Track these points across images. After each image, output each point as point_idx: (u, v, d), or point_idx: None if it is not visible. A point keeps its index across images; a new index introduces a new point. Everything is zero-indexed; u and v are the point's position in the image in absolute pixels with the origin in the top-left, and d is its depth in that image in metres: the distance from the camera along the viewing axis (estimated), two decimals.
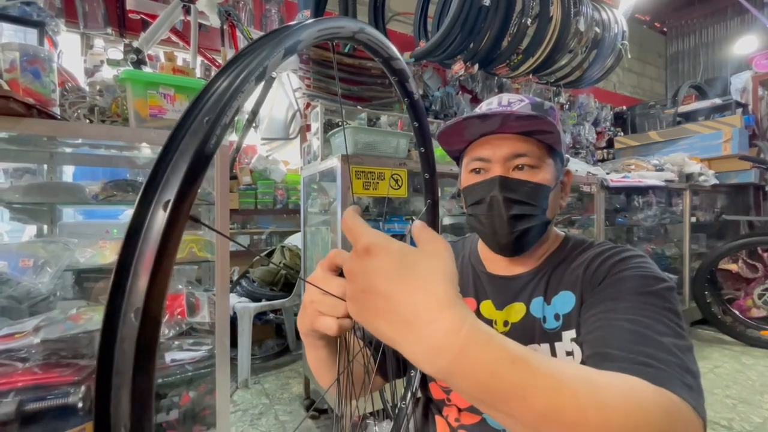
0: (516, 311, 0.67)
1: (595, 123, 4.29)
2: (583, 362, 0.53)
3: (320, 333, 0.42)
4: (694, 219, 3.16)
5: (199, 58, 2.39)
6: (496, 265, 0.72)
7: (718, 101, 3.78)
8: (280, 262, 2.48)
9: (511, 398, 0.29)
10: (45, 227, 1.53)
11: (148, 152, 1.36)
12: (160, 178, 0.16)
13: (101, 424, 0.14)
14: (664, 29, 6.04)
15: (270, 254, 2.60)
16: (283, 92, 2.96)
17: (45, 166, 1.50)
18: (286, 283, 2.43)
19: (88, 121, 1.18)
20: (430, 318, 0.29)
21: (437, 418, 0.70)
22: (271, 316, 2.77)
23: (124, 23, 2.57)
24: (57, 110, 1.10)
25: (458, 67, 2.53)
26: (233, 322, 2.00)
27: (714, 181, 3.14)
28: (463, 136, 0.68)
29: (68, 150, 1.40)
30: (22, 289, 1.11)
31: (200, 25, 2.18)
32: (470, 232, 0.84)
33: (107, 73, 1.42)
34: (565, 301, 0.63)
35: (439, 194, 0.55)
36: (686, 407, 0.37)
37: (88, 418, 1.03)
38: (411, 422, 0.74)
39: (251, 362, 2.27)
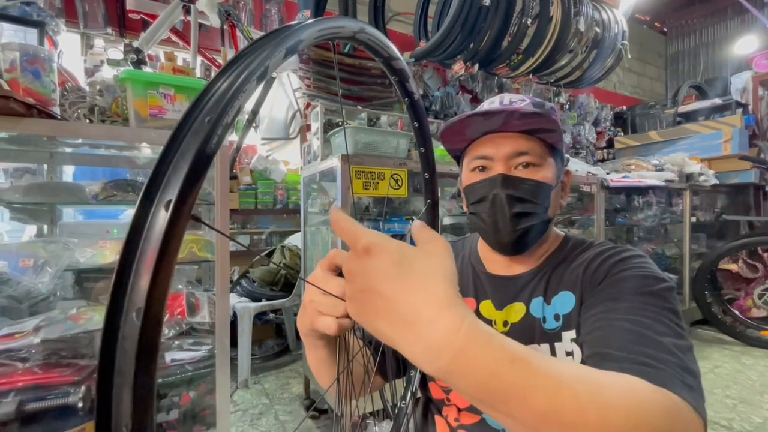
0: (516, 311, 0.67)
1: (595, 123, 4.29)
2: (583, 362, 0.53)
3: (320, 333, 0.42)
4: (694, 219, 3.16)
5: (199, 58, 2.39)
6: (496, 265, 0.72)
7: (718, 101, 3.78)
8: (280, 262, 2.48)
9: (511, 398, 0.29)
10: (45, 227, 1.53)
11: (148, 152, 1.36)
12: (162, 178, 0.16)
13: (102, 424, 0.14)
14: (664, 29, 6.04)
15: (270, 254, 2.60)
16: (283, 92, 2.96)
17: (45, 166, 1.50)
18: (286, 283, 2.43)
19: (88, 121, 1.18)
20: (429, 318, 0.29)
21: (437, 418, 0.70)
22: (271, 316, 2.77)
23: (124, 23, 2.56)
24: (57, 110, 1.10)
25: (458, 67, 2.53)
26: (233, 322, 2.00)
27: (714, 181, 3.14)
28: (465, 135, 0.68)
29: (68, 150, 1.40)
30: (22, 289, 1.11)
31: (200, 25, 2.18)
32: (470, 232, 0.84)
33: (107, 73, 1.42)
34: (565, 301, 0.63)
35: (439, 194, 0.55)
36: (686, 407, 0.37)
37: (88, 418, 1.03)
38: (411, 422, 0.74)
39: (251, 362, 2.27)
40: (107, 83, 1.22)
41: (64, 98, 1.18)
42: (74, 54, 2.41)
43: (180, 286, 1.33)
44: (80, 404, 1.00)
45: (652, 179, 2.77)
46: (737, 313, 2.97)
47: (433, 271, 0.31)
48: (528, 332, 0.64)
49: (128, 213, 2.03)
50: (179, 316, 1.24)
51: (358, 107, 2.17)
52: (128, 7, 2.30)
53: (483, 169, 0.67)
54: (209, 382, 1.24)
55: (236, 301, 2.29)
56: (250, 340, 2.21)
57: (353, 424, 0.46)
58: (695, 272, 3.02)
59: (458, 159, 0.75)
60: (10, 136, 1.11)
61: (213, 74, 2.75)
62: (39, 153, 1.42)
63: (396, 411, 0.53)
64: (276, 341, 2.78)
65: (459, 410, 0.67)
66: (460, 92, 3.49)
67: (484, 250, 0.75)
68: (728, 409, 1.97)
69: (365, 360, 0.60)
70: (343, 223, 0.33)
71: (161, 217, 0.16)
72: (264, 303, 2.30)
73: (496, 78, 3.44)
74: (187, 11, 2.05)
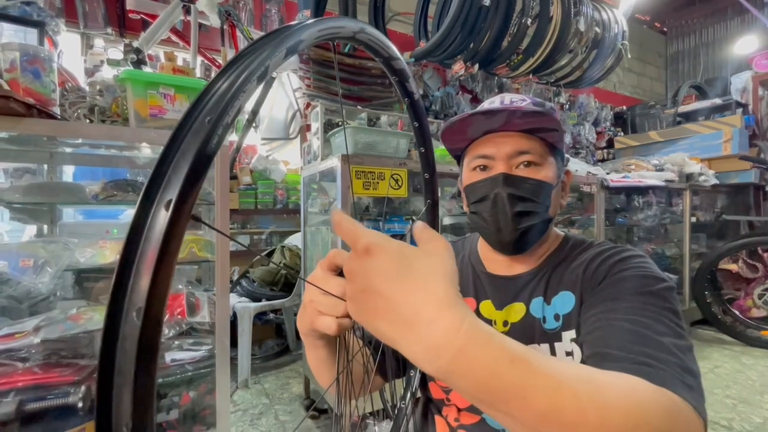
0: (516, 311, 0.67)
1: (595, 123, 4.29)
2: (583, 362, 0.53)
3: (320, 332, 0.42)
4: (694, 219, 3.16)
5: (199, 58, 2.39)
6: (496, 264, 0.72)
7: (718, 101, 3.78)
8: (280, 262, 2.48)
9: (511, 398, 0.29)
10: (45, 227, 1.53)
11: (148, 152, 1.36)
12: (162, 178, 0.16)
13: (103, 424, 0.14)
14: (664, 29, 6.04)
15: (270, 254, 2.60)
16: (283, 92, 2.96)
17: (45, 166, 1.50)
18: (286, 283, 2.43)
19: (88, 121, 1.18)
20: (429, 317, 0.29)
21: (437, 417, 0.70)
22: (271, 316, 2.77)
23: (124, 23, 2.56)
24: (57, 110, 1.10)
25: (458, 67, 2.53)
26: (233, 322, 2.00)
27: (714, 181, 3.14)
28: (466, 134, 0.68)
29: (68, 150, 1.40)
30: (22, 289, 1.11)
31: (200, 25, 2.18)
32: (470, 232, 0.84)
33: (107, 73, 1.42)
34: (564, 301, 0.63)
35: (439, 194, 0.55)
36: (687, 407, 0.37)
37: (88, 418, 1.03)
38: (410, 422, 0.74)
39: (251, 362, 2.27)
40: (107, 83, 1.22)
41: (64, 98, 1.18)
42: (74, 54, 2.41)
43: (180, 286, 1.33)
44: (80, 404, 1.00)
45: (652, 179, 2.77)
46: (737, 313, 2.97)
47: (434, 271, 0.31)
48: (528, 332, 0.64)
49: (128, 213, 2.03)
50: (179, 316, 1.24)
51: (358, 107, 2.17)
52: (128, 7, 2.30)
53: (484, 168, 0.67)
54: (209, 382, 1.24)
55: (236, 301, 2.29)
56: (250, 340, 2.21)
57: (353, 424, 0.46)
58: (695, 272, 3.02)
59: (458, 159, 0.75)
60: (10, 136, 1.11)
61: (213, 74, 2.75)
62: (39, 153, 1.42)
63: (396, 411, 0.53)
64: (276, 341, 2.78)
65: (459, 410, 0.67)
66: (460, 92, 3.49)
67: (484, 249, 0.75)
68: (728, 409, 1.97)
69: (365, 360, 0.60)
70: (344, 224, 0.33)
71: (161, 217, 0.16)
72: (264, 303, 2.30)
73: (496, 78, 3.44)
74: (187, 11, 2.05)
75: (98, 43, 2.50)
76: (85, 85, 1.30)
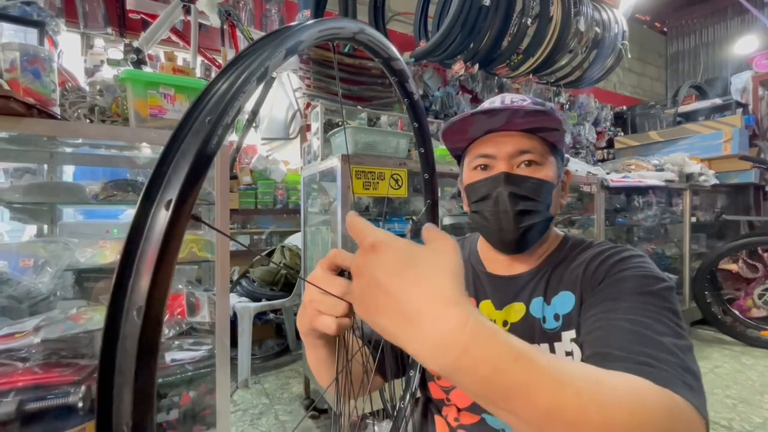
0: (515, 311, 0.67)
1: (595, 123, 4.29)
2: (583, 362, 0.53)
3: (319, 332, 0.42)
4: (694, 219, 3.16)
5: (199, 58, 2.39)
6: (496, 264, 0.72)
7: (718, 101, 3.78)
8: (280, 262, 2.48)
9: (515, 395, 0.29)
10: (45, 227, 1.53)
11: (148, 152, 1.36)
12: (162, 178, 0.16)
13: (103, 423, 0.14)
14: (664, 29, 6.04)
15: (270, 254, 2.60)
16: (283, 92, 2.96)
17: (45, 166, 1.50)
18: (286, 283, 2.43)
19: (88, 120, 1.18)
20: (434, 314, 0.29)
21: (437, 417, 0.70)
22: (271, 316, 2.77)
23: (124, 23, 2.56)
24: (57, 110, 1.10)
25: (458, 67, 2.53)
26: (233, 322, 2.00)
27: (714, 181, 3.14)
28: (467, 134, 0.68)
29: (68, 150, 1.40)
30: (22, 289, 1.11)
31: (200, 25, 2.18)
32: (470, 232, 0.84)
33: (107, 73, 1.42)
34: (564, 301, 0.63)
35: (439, 194, 0.55)
36: (688, 407, 0.37)
37: (88, 417, 1.03)
38: (410, 422, 0.74)
39: (251, 362, 2.27)
40: (107, 83, 1.22)
41: (64, 98, 1.18)
42: (74, 54, 2.41)
43: (180, 286, 1.33)
44: (80, 404, 1.00)
45: (652, 179, 2.77)
46: (737, 313, 2.97)
47: (440, 268, 0.31)
48: (528, 332, 0.64)
49: (128, 213, 2.03)
50: (179, 316, 1.24)
51: (358, 107, 2.17)
52: (128, 7, 2.30)
53: (485, 167, 0.67)
54: (209, 381, 1.24)
55: (236, 301, 2.29)
56: (250, 340, 2.22)
57: (353, 423, 0.46)
58: (695, 272, 3.02)
59: (459, 158, 0.75)
60: (11, 136, 1.11)
61: (213, 74, 2.75)
62: (39, 153, 1.42)
63: (395, 411, 0.53)
64: (276, 341, 2.78)
65: (459, 410, 0.67)
66: (460, 92, 3.49)
67: (484, 249, 0.75)
68: (728, 409, 1.97)
69: (364, 360, 0.60)
70: (355, 223, 0.33)
71: (162, 217, 0.16)
72: (264, 303, 2.30)
73: (496, 78, 3.44)
74: (187, 11, 2.05)
75: (98, 43, 2.50)
76: (85, 85, 1.30)
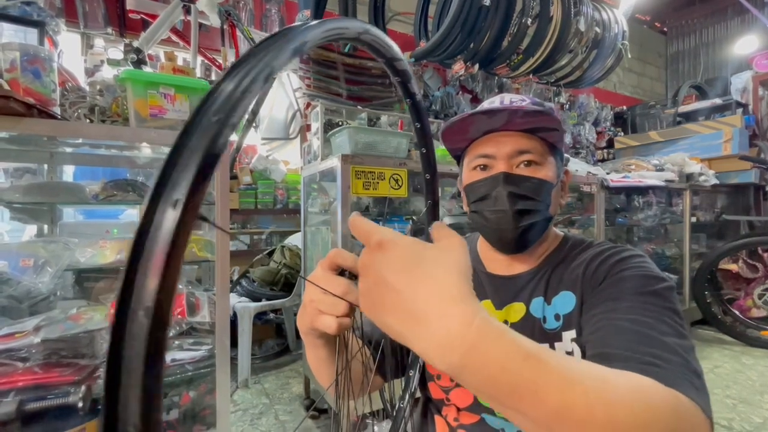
0: (515, 311, 0.67)
1: (596, 123, 4.29)
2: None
3: (320, 332, 0.42)
4: (694, 219, 3.16)
5: (200, 58, 2.39)
6: (496, 264, 0.73)
7: (718, 101, 3.78)
8: (280, 262, 2.48)
9: (523, 394, 0.29)
10: (45, 227, 1.53)
11: (148, 152, 1.36)
12: (170, 177, 0.16)
13: (109, 424, 0.14)
14: (665, 29, 6.04)
15: (270, 254, 2.61)
16: (283, 92, 2.96)
17: (45, 166, 1.50)
18: (286, 283, 2.43)
19: (88, 120, 1.18)
20: (441, 312, 0.29)
21: (436, 417, 0.70)
22: (271, 315, 2.77)
23: (124, 23, 2.56)
24: (57, 110, 1.10)
25: (458, 67, 2.53)
26: (233, 321, 2.00)
27: (714, 181, 3.14)
28: (466, 134, 0.68)
29: (68, 150, 1.40)
30: (22, 289, 1.11)
31: (200, 25, 2.18)
32: (470, 232, 0.84)
33: (107, 73, 1.42)
34: (565, 301, 0.63)
35: (439, 194, 0.55)
36: (694, 407, 0.37)
37: (88, 417, 1.03)
38: (410, 422, 0.74)
39: (251, 362, 2.27)
40: (107, 83, 1.22)
41: (65, 98, 1.18)
42: (74, 54, 2.41)
43: (180, 286, 1.33)
44: (80, 404, 1.00)
45: (652, 179, 2.77)
46: (737, 313, 2.97)
47: (447, 267, 0.31)
48: (528, 332, 0.64)
49: (128, 213, 2.03)
50: (179, 316, 1.24)
51: (359, 107, 2.17)
52: (128, 7, 2.30)
53: (485, 167, 0.67)
54: (209, 381, 1.24)
55: (236, 300, 2.29)
56: (250, 340, 2.22)
57: (353, 423, 0.46)
58: (695, 272, 3.02)
59: (458, 159, 0.75)
60: (11, 136, 1.11)
61: (213, 74, 2.75)
62: (39, 153, 1.42)
63: (395, 411, 0.53)
64: (276, 341, 2.78)
65: (458, 410, 0.67)
66: (460, 92, 3.49)
67: (483, 249, 0.75)
68: (728, 409, 1.97)
69: (364, 359, 0.60)
70: (359, 223, 0.33)
71: (170, 217, 0.16)
72: (264, 303, 2.30)
73: (496, 78, 3.44)
74: (187, 11, 2.05)
75: (98, 42, 2.50)
76: (85, 85, 1.30)
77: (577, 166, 2.55)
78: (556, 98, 3.80)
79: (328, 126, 1.98)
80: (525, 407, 0.29)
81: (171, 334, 1.22)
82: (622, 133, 4.34)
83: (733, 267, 3.10)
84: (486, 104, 0.71)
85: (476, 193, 0.68)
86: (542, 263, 0.69)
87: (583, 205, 2.61)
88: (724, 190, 3.56)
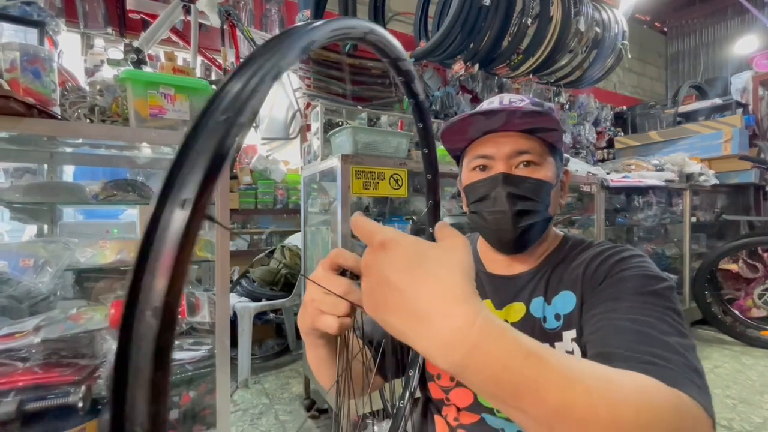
0: (515, 311, 0.67)
1: (596, 123, 4.30)
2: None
3: (321, 332, 0.42)
4: (694, 219, 3.16)
5: (200, 58, 2.39)
6: (496, 264, 0.73)
7: (718, 101, 3.78)
8: (279, 262, 2.48)
9: (524, 393, 0.29)
10: (45, 227, 1.53)
11: (148, 152, 1.36)
12: (178, 177, 0.16)
13: (116, 424, 0.14)
14: (665, 29, 6.04)
15: (270, 254, 2.61)
16: (283, 92, 2.96)
17: (45, 166, 1.50)
18: (286, 282, 2.43)
19: (88, 120, 1.18)
20: (444, 311, 0.29)
21: (436, 417, 0.70)
22: (271, 315, 2.77)
23: (124, 23, 2.57)
24: (57, 110, 1.10)
25: (458, 67, 2.53)
26: (233, 321, 2.00)
27: (714, 181, 3.14)
28: (466, 134, 0.68)
29: (68, 150, 1.40)
30: (22, 289, 1.11)
31: (200, 25, 2.18)
32: (470, 232, 0.84)
33: (107, 73, 1.42)
34: (565, 301, 0.63)
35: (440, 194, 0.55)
36: (696, 406, 0.37)
37: (88, 417, 1.03)
38: (410, 422, 0.74)
39: (251, 362, 2.27)
40: (107, 83, 1.22)
41: (65, 98, 1.18)
42: (74, 54, 2.41)
43: None
44: (80, 404, 1.00)
45: (652, 179, 2.77)
46: (737, 313, 2.97)
47: (449, 266, 0.31)
48: (528, 332, 0.63)
49: (128, 213, 2.03)
50: (179, 316, 1.24)
51: (358, 107, 2.17)
52: (128, 6, 2.30)
53: (484, 168, 0.67)
54: (209, 381, 1.24)
55: (236, 300, 2.29)
56: (250, 340, 2.21)
57: (353, 423, 0.46)
58: (695, 272, 3.02)
59: (458, 159, 0.75)
60: (11, 136, 1.11)
61: (213, 74, 2.75)
62: (39, 153, 1.41)
63: (395, 411, 0.53)
64: (276, 341, 2.78)
65: (458, 410, 0.67)
66: (460, 92, 3.49)
67: (483, 249, 0.75)
68: (728, 409, 1.97)
69: (365, 360, 0.60)
70: (361, 223, 0.33)
71: (178, 217, 0.16)
72: (264, 303, 2.30)
73: (496, 78, 3.44)
74: (187, 11, 2.05)
75: (98, 42, 2.50)
76: (85, 85, 1.30)
77: (577, 166, 2.55)
78: (556, 98, 3.80)
79: (328, 126, 1.98)
80: (526, 406, 0.29)
81: None
82: (622, 133, 4.34)
83: (733, 267, 3.10)
84: (485, 104, 0.71)
85: (475, 194, 0.68)
86: (542, 263, 0.69)
87: (583, 205, 2.61)
88: (724, 190, 3.56)
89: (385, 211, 1.91)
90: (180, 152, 0.17)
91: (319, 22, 0.25)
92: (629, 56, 3.11)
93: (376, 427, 0.67)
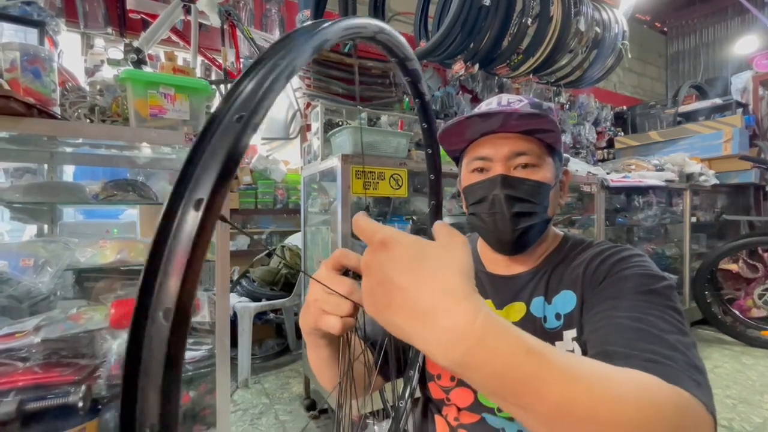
0: (516, 311, 0.67)
1: (596, 123, 4.30)
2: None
3: (322, 332, 0.42)
4: (694, 219, 3.16)
5: (200, 58, 2.39)
6: (496, 264, 0.73)
7: (718, 101, 3.78)
8: (279, 262, 2.48)
9: (526, 389, 0.29)
10: (45, 227, 1.52)
11: (148, 152, 1.36)
12: (191, 177, 0.16)
13: (126, 424, 0.14)
14: (665, 29, 6.04)
15: (270, 254, 2.61)
16: (284, 92, 2.95)
17: (45, 166, 1.50)
18: (286, 282, 2.43)
19: (88, 120, 1.18)
20: (445, 309, 0.29)
21: (437, 417, 0.70)
22: (272, 315, 2.77)
23: (124, 23, 2.56)
24: (57, 110, 1.10)
25: (458, 67, 2.53)
26: (233, 321, 2.00)
27: (714, 181, 3.14)
28: (463, 136, 0.68)
29: (68, 149, 1.39)
30: (22, 289, 1.11)
31: (200, 25, 2.18)
32: (470, 232, 0.84)
33: (107, 73, 1.42)
34: (566, 300, 0.63)
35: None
36: (697, 404, 0.37)
37: (88, 417, 1.03)
38: (410, 422, 0.74)
39: (251, 362, 2.27)
40: (107, 83, 1.22)
41: (65, 98, 1.18)
42: (74, 54, 2.41)
43: None
44: (80, 404, 1.00)
45: (652, 179, 2.77)
46: (737, 313, 2.97)
47: (449, 264, 0.31)
48: (528, 332, 0.63)
49: (128, 213, 2.03)
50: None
51: (359, 107, 2.17)
52: (128, 6, 2.29)
53: (482, 170, 0.67)
54: (209, 381, 1.24)
55: (236, 300, 2.29)
56: (250, 340, 2.21)
57: (353, 423, 0.46)
58: (695, 272, 3.02)
59: (457, 160, 0.75)
60: (11, 136, 1.10)
61: (213, 74, 2.74)
62: (39, 153, 1.41)
63: (394, 410, 0.53)
64: (276, 341, 2.78)
65: (459, 410, 0.67)
66: (461, 92, 3.49)
67: (483, 249, 0.75)
68: (728, 409, 1.97)
69: (366, 360, 0.60)
70: (361, 222, 0.33)
71: (191, 217, 0.15)
72: (264, 303, 2.30)
73: (497, 78, 3.44)
74: (188, 11, 2.05)
75: (98, 42, 2.50)
76: (85, 85, 1.30)
77: (577, 166, 2.55)
78: (556, 98, 3.80)
79: (328, 126, 1.98)
80: (527, 402, 0.29)
81: None
82: (622, 133, 4.34)
83: (733, 267, 3.11)
84: (483, 105, 0.71)
85: (474, 196, 0.68)
86: (542, 263, 0.69)
87: (583, 205, 2.61)
88: (724, 190, 3.56)
89: (386, 210, 1.91)
90: (194, 151, 0.17)
91: (330, 22, 0.25)
92: (629, 56, 3.10)
93: (376, 427, 0.67)
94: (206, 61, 2.57)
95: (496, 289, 0.70)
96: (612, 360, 0.44)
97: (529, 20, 2.45)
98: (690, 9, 5.71)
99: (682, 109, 4.01)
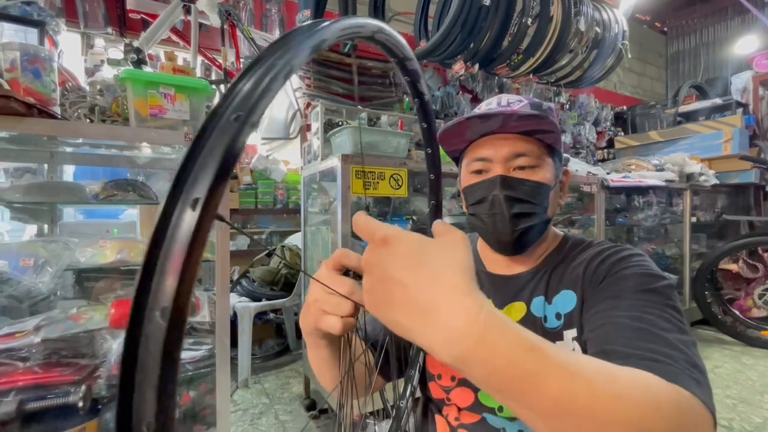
0: (516, 311, 0.67)
1: (596, 123, 4.30)
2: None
3: (323, 332, 0.42)
4: (694, 219, 3.16)
5: (200, 58, 2.39)
6: (496, 264, 0.73)
7: (718, 101, 3.78)
8: (279, 262, 2.48)
9: (526, 386, 0.29)
10: (45, 227, 1.52)
11: (148, 152, 1.36)
12: (189, 177, 0.16)
13: (123, 423, 0.14)
14: (665, 29, 6.04)
15: (270, 254, 2.61)
16: (284, 92, 2.96)
17: (45, 166, 1.50)
18: (287, 282, 2.43)
19: (88, 120, 1.18)
20: (448, 305, 0.29)
21: (437, 417, 0.70)
22: (272, 315, 2.77)
23: (124, 23, 2.56)
24: (57, 110, 1.10)
25: (458, 67, 2.53)
26: (233, 321, 2.00)
27: (714, 181, 3.14)
28: (463, 137, 0.68)
29: (69, 149, 1.39)
30: (22, 289, 1.11)
31: (200, 25, 2.18)
32: (470, 232, 0.84)
33: (108, 73, 1.42)
34: (566, 300, 0.63)
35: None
36: (697, 402, 0.37)
37: (88, 417, 1.03)
38: (411, 421, 0.74)
39: (251, 362, 2.27)
40: (107, 83, 1.22)
41: (65, 98, 1.18)
42: (75, 54, 2.41)
43: None
44: (80, 404, 1.00)
45: (652, 179, 2.77)
46: (737, 313, 2.97)
47: (451, 261, 0.31)
48: None
49: (128, 213, 2.03)
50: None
51: (359, 107, 2.17)
52: (128, 6, 2.30)
53: (482, 171, 0.67)
54: (209, 381, 1.24)
55: (236, 300, 2.29)
56: (250, 340, 2.21)
57: (353, 423, 0.46)
58: (695, 272, 3.02)
59: (457, 160, 0.75)
60: (11, 136, 1.10)
61: (213, 74, 2.74)
62: (39, 153, 1.41)
63: (394, 410, 0.52)
64: (276, 341, 2.78)
65: (459, 410, 0.67)
66: (461, 92, 3.49)
67: (483, 249, 0.75)
68: (728, 409, 1.97)
69: (366, 360, 0.60)
70: (362, 221, 0.33)
71: (188, 216, 0.15)
72: (264, 303, 2.30)
73: (497, 78, 3.44)
74: (188, 11, 2.05)
75: (98, 42, 2.50)
76: (85, 85, 1.30)
77: (577, 166, 2.55)
78: (557, 98, 3.80)
79: (328, 126, 1.98)
80: (528, 399, 0.29)
81: None
82: (622, 133, 4.34)
83: (733, 267, 3.11)
84: (483, 106, 0.71)
85: (474, 196, 0.68)
86: (542, 263, 0.69)
87: (583, 205, 2.61)
88: (724, 190, 3.56)
89: (386, 210, 1.91)
90: (191, 150, 0.17)
91: (329, 21, 0.25)
92: (629, 56, 3.10)
93: (376, 427, 0.67)
94: (206, 61, 2.57)
95: (496, 289, 0.70)
96: (612, 359, 0.44)
97: (529, 20, 2.45)
98: (690, 9, 5.71)
99: (682, 109, 4.01)
